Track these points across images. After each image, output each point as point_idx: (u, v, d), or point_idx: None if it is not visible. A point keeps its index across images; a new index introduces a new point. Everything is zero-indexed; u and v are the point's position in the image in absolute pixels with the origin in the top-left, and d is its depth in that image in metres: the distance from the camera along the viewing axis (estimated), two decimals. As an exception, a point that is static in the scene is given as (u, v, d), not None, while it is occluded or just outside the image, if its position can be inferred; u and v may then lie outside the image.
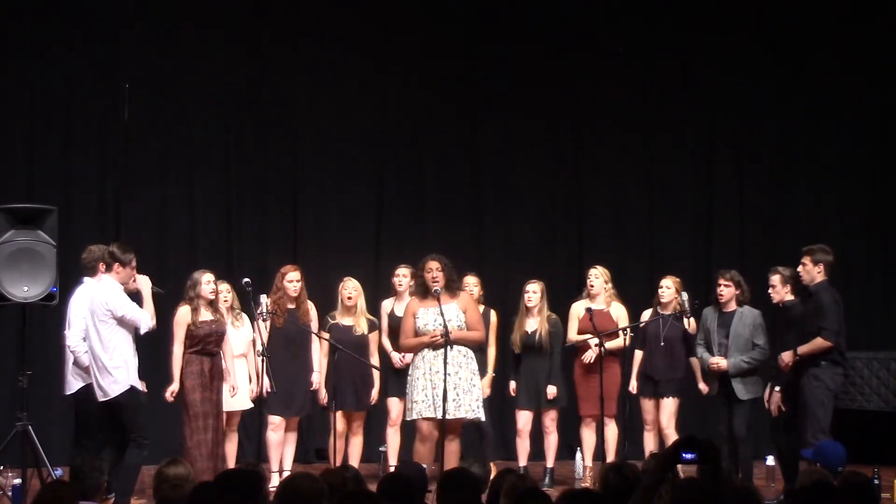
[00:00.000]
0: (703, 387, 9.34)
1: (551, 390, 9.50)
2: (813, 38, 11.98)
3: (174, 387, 8.55)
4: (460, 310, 8.36)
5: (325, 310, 9.47)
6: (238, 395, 8.94)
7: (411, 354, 8.60)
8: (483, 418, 8.48)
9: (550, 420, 9.64)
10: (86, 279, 8.24)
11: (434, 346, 8.26)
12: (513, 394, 9.71)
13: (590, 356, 9.36)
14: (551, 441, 9.67)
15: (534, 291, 9.58)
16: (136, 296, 8.13)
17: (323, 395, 9.31)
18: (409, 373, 8.49)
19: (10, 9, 10.52)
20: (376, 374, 9.37)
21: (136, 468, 8.05)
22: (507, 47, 11.64)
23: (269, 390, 8.93)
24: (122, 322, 7.91)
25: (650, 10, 11.88)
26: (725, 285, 9.00)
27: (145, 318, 7.99)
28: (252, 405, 9.18)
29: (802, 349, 8.47)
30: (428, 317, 8.34)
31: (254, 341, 9.11)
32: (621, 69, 11.80)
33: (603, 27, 11.84)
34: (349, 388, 9.20)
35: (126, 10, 10.76)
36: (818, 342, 8.42)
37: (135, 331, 8.00)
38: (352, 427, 9.34)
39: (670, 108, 11.98)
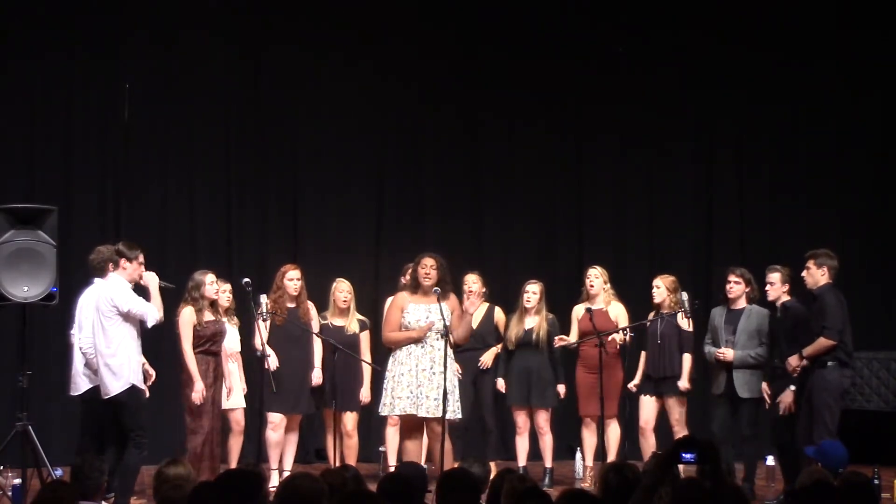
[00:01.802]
0: (683, 384, 9.29)
1: (561, 389, 9.58)
2: (812, 41, 11.97)
3: (199, 386, 8.46)
4: (449, 309, 8.36)
5: (322, 310, 9.48)
6: (234, 393, 8.95)
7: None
8: (459, 415, 8.41)
9: (544, 421, 9.65)
10: (95, 280, 8.24)
11: (420, 341, 8.27)
12: (502, 390, 9.70)
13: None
14: (546, 442, 9.68)
15: (533, 292, 9.60)
16: (143, 292, 8.15)
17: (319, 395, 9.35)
18: (389, 367, 8.44)
19: (10, 9, 10.51)
20: (367, 374, 9.37)
21: (136, 468, 8.06)
22: (507, 48, 11.64)
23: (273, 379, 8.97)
24: (128, 317, 7.93)
25: (650, 13, 11.88)
26: (735, 282, 9.00)
27: (152, 311, 8.00)
28: (244, 404, 9.19)
29: (807, 350, 8.46)
30: (419, 313, 8.34)
31: (251, 341, 9.13)
32: (621, 71, 11.80)
33: (603, 29, 11.84)
34: (340, 389, 9.19)
35: (126, 10, 10.76)
36: (821, 342, 8.41)
37: (140, 325, 8.01)
38: (346, 428, 9.33)
39: (670, 109, 11.98)
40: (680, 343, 9.28)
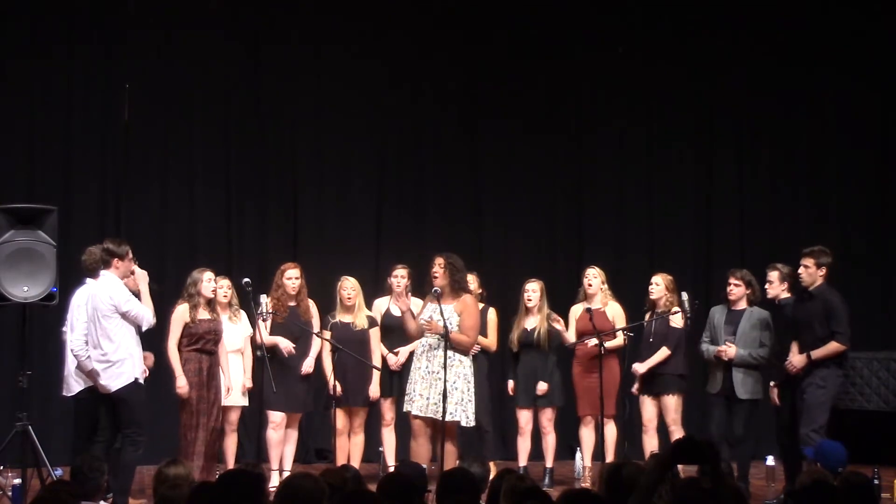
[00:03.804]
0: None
1: (541, 387, 9.52)
2: (813, 38, 11.99)
3: (182, 381, 8.53)
4: (455, 312, 8.38)
5: (326, 310, 9.49)
6: (234, 392, 8.95)
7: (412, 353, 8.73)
8: (464, 422, 8.42)
9: (547, 420, 9.65)
10: (87, 280, 8.25)
11: (420, 336, 8.45)
12: (511, 392, 9.71)
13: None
14: (549, 441, 9.69)
15: (533, 290, 9.60)
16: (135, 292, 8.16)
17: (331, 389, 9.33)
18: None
19: (10, 9, 10.52)
20: (375, 372, 9.38)
21: (132, 466, 8.06)
22: (507, 48, 11.65)
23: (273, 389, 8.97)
24: (125, 317, 7.93)
25: (650, 11, 11.88)
26: (735, 284, 8.99)
27: (147, 315, 8.01)
28: (247, 402, 9.19)
29: (817, 353, 8.43)
30: (426, 313, 8.46)
31: (252, 340, 9.13)
32: (621, 69, 11.80)
33: (603, 28, 11.84)
34: (350, 386, 9.21)
35: (127, 10, 10.76)
36: (833, 346, 8.40)
37: (137, 327, 8.02)
38: (353, 425, 9.35)
39: (670, 108, 11.99)
40: (666, 339, 9.25)
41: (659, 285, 9.32)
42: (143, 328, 8.06)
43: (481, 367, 9.44)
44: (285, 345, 9.07)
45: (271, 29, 11.23)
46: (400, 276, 9.50)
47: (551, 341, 9.55)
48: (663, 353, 9.20)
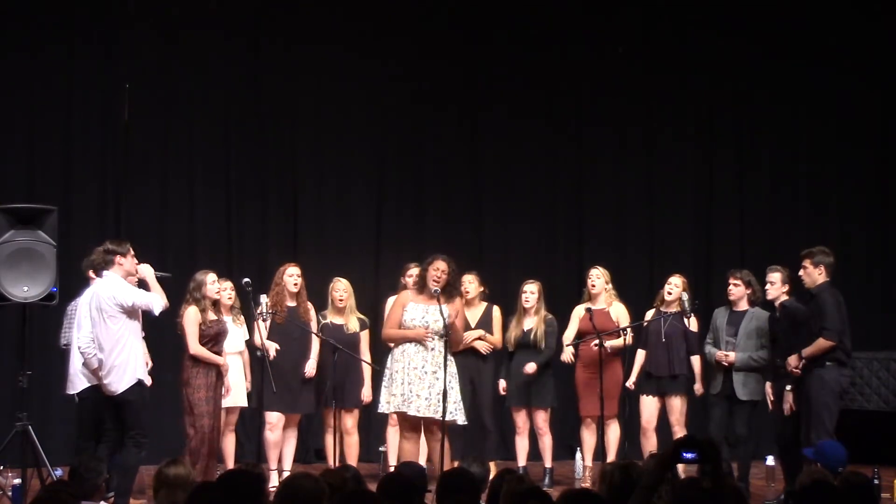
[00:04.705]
0: (698, 388, 9.33)
1: (530, 366, 9.47)
2: (813, 38, 11.98)
3: (224, 362, 8.61)
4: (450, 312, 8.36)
5: (324, 309, 9.48)
6: (233, 392, 8.96)
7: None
8: (459, 420, 8.42)
9: (543, 421, 9.65)
10: (96, 279, 8.25)
11: (419, 342, 8.26)
12: (502, 392, 9.70)
13: (567, 356, 9.46)
14: (546, 442, 9.69)
15: (531, 292, 9.60)
16: (141, 285, 8.17)
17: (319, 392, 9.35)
18: (388, 365, 8.45)
19: (10, 8, 10.52)
20: (367, 373, 9.37)
21: (135, 468, 8.07)
22: (507, 48, 11.65)
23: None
24: (133, 312, 7.94)
25: (650, 11, 11.88)
26: (735, 285, 9.00)
27: (156, 300, 8.02)
28: (246, 403, 9.19)
29: (807, 351, 8.45)
30: (416, 312, 8.33)
31: (251, 341, 9.13)
32: (621, 69, 11.80)
33: (603, 28, 11.84)
34: (342, 387, 9.20)
35: (127, 9, 10.77)
36: (820, 343, 8.41)
37: (143, 318, 8.00)
38: (346, 426, 9.34)
39: (670, 108, 11.99)
40: (687, 344, 9.29)
41: (678, 287, 9.32)
42: (157, 313, 8.06)
43: (488, 368, 9.46)
44: (271, 353, 9.02)
45: (271, 29, 11.23)
46: (416, 276, 9.48)
47: (547, 342, 9.54)
48: (698, 361, 9.30)
